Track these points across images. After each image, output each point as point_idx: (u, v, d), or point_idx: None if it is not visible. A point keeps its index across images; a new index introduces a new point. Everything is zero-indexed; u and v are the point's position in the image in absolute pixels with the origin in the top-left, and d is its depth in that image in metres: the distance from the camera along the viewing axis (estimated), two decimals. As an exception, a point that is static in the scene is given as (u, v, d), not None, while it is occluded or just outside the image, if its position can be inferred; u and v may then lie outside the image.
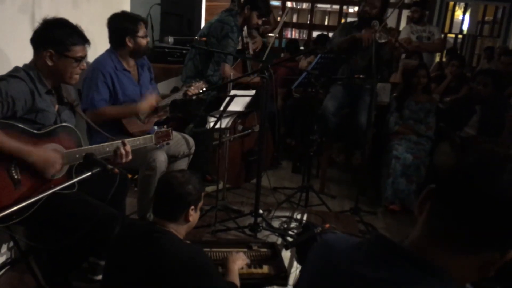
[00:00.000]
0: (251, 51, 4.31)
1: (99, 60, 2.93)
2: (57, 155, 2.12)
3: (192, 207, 1.90)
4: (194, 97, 3.11)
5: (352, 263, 0.98)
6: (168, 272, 1.74)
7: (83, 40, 2.24)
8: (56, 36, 2.15)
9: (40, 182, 2.11)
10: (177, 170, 1.98)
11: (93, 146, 2.29)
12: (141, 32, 2.93)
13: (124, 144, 2.31)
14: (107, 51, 2.98)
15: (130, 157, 2.33)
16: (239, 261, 2.28)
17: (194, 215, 1.93)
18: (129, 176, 3.10)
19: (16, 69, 2.16)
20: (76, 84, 2.37)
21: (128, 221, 2.20)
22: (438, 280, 0.90)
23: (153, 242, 1.79)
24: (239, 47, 4.44)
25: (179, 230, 1.90)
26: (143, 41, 2.95)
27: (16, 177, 2.02)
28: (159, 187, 1.95)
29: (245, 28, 4.12)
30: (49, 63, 2.16)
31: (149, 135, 2.61)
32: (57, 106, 2.29)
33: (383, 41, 3.79)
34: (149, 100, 2.97)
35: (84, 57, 2.25)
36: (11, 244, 2.61)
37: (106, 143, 2.32)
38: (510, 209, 0.86)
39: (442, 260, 0.92)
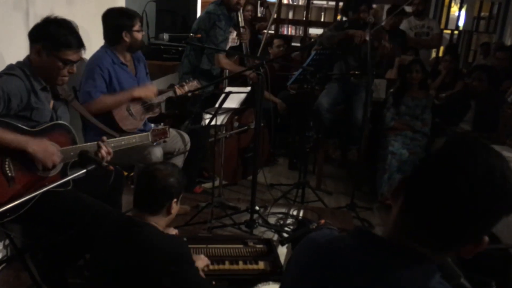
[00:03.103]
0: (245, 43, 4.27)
1: (96, 56, 2.93)
2: (55, 147, 2.11)
3: (175, 199, 1.91)
4: (189, 94, 3.12)
5: (335, 254, 0.99)
6: (150, 264, 1.75)
7: (78, 45, 2.19)
8: (48, 33, 2.13)
9: (35, 179, 2.11)
10: (159, 163, 1.94)
11: (88, 143, 2.28)
12: (136, 27, 2.93)
13: (99, 147, 2.24)
14: (103, 47, 2.97)
15: (110, 155, 2.28)
16: (199, 261, 2.21)
17: (175, 208, 1.94)
18: (125, 173, 3.10)
19: (11, 67, 2.15)
20: (64, 84, 2.34)
21: (116, 217, 2.19)
22: (421, 266, 0.91)
23: (133, 237, 1.80)
24: (235, 43, 4.43)
25: (160, 222, 1.90)
26: (139, 35, 2.96)
27: (10, 174, 2.01)
28: (142, 179, 1.92)
29: (241, 20, 4.08)
30: (36, 57, 2.15)
31: (145, 133, 2.60)
32: (52, 102, 2.29)
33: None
34: (146, 86, 2.98)
35: (74, 62, 2.20)
36: (7, 242, 2.61)
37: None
38: (479, 199, 0.86)
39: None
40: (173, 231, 2.21)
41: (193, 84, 3.18)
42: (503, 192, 0.87)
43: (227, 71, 3.81)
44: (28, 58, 2.19)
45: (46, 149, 2.06)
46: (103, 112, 2.80)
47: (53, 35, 2.13)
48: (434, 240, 0.91)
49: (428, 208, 0.90)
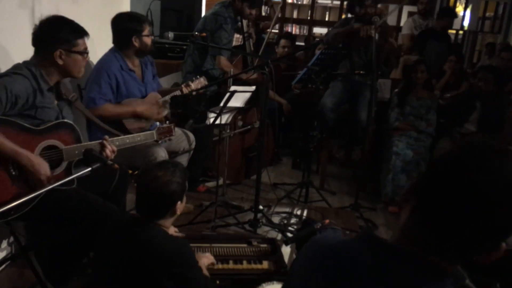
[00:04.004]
0: (251, 45, 4.27)
1: (104, 60, 2.92)
2: (47, 169, 2.09)
3: (179, 202, 1.88)
4: (194, 93, 3.11)
5: (343, 258, 0.97)
6: (152, 264, 1.75)
7: (83, 33, 2.27)
8: (62, 36, 2.18)
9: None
10: (157, 166, 1.88)
11: (92, 142, 2.28)
12: (146, 31, 2.93)
13: (103, 146, 2.26)
14: (111, 51, 2.97)
15: (114, 154, 2.31)
16: (204, 259, 2.21)
17: (181, 207, 1.91)
18: (129, 172, 3.10)
19: (18, 66, 2.16)
20: (81, 77, 2.38)
21: (119, 216, 2.20)
22: (433, 275, 0.88)
23: (136, 236, 1.80)
24: (239, 42, 4.43)
25: (165, 223, 1.89)
26: (149, 40, 2.95)
27: (14, 173, 2.02)
28: (142, 188, 1.86)
29: (245, 25, 4.09)
30: (60, 62, 2.18)
31: (150, 131, 2.60)
32: (56, 102, 2.30)
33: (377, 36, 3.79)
34: (151, 107, 2.96)
35: (87, 49, 2.29)
36: (11, 239, 2.62)
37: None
38: (495, 207, 0.83)
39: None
40: (172, 230, 2.20)
41: (200, 82, 3.17)
42: None
43: (231, 70, 3.81)
44: (34, 58, 2.20)
45: (38, 169, 2.04)
46: (104, 119, 2.78)
47: (66, 35, 2.19)
48: (448, 252, 0.88)
49: (440, 217, 0.87)
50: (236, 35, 4.65)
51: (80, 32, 2.25)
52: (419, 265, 0.88)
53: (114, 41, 2.97)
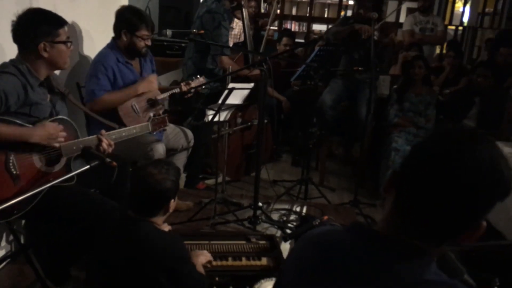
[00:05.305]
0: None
1: (100, 54, 2.93)
2: (55, 126, 2.12)
3: (172, 200, 1.90)
4: (192, 90, 3.11)
5: (333, 247, 0.99)
6: (146, 260, 1.76)
7: (63, 23, 2.26)
8: (43, 28, 2.17)
9: (39, 175, 2.12)
10: (152, 164, 1.91)
11: (89, 137, 2.28)
12: (140, 32, 2.90)
13: (100, 140, 2.27)
14: (108, 45, 2.97)
15: (112, 147, 2.32)
16: (202, 256, 2.22)
17: (173, 205, 1.93)
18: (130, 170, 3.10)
19: (5, 64, 2.16)
20: (67, 68, 2.37)
21: (118, 214, 2.20)
22: (416, 259, 0.90)
23: (130, 234, 1.81)
24: (238, 39, 4.41)
25: (157, 221, 1.90)
26: (140, 43, 2.93)
27: (14, 172, 2.02)
28: (136, 185, 1.87)
29: (245, 15, 4.06)
30: (45, 55, 2.18)
31: (145, 123, 2.60)
32: (49, 96, 2.30)
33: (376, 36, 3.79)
34: (148, 79, 2.96)
35: (69, 38, 2.28)
36: (11, 237, 2.62)
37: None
38: (468, 189, 0.85)
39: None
40: (166, 227, 2.21)
41: (200, 81, 3.17)
42: (493, 179, 0.86)
43: (230, 67, 3.79)
44: (20, 55, 2.20)
45: (49, 134, 2.08)
46: (108, 109, 2.79)
47: (47, 27, 2.18)
48: (430, 236, 0.91)
49: (418, 206, 0.90)
50: (234, 32, 4.61)
51: (60, 22, 2.24)
52: (403, 250, 0.90)
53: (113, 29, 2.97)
